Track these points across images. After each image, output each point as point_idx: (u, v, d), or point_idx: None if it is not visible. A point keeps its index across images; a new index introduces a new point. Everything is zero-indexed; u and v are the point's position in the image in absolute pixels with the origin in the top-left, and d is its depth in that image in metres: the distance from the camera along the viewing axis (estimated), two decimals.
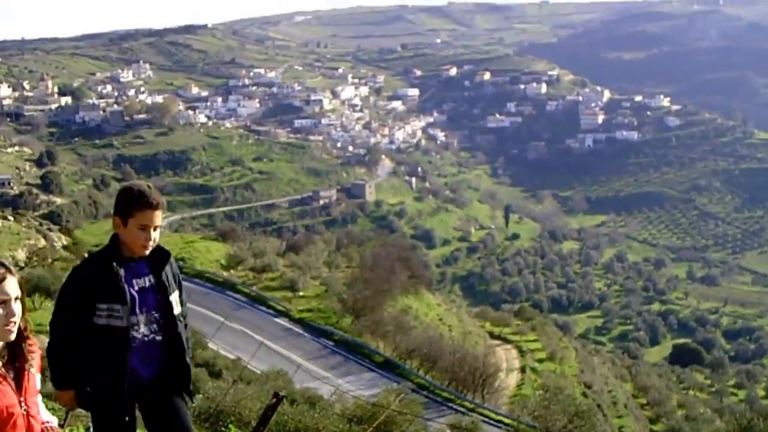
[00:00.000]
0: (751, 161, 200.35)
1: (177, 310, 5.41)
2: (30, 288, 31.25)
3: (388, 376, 43.22)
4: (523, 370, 53.28)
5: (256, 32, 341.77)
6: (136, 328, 5.22)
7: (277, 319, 51.27)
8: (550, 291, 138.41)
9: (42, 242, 53.94)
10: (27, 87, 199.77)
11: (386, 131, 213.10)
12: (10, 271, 4.07)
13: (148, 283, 5.31)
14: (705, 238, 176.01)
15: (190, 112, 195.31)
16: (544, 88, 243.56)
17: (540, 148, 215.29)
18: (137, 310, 5.22)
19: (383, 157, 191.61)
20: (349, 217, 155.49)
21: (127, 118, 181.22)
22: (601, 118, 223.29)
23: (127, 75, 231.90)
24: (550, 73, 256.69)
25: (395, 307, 57.55)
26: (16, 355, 4.12)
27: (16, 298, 4.10)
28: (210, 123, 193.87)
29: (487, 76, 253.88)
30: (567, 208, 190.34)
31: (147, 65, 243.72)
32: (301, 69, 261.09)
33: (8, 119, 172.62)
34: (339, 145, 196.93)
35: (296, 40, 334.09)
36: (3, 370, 4.04)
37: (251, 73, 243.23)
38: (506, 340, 62.06)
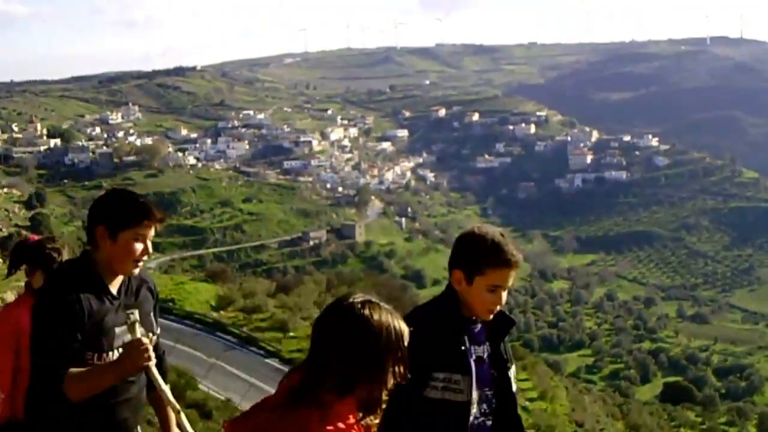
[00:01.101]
0: (740, 200, 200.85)
1: (515, 387, 4.51)
2: None
3: None
4: None
5: (245, 74, 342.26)
6: (470, 406, 4.30)
7: (267, 360, 50.92)
8: (540, 330, 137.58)
9: None
10: (16, 129, 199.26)
11: (376, 172, 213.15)
12: None
13: (485, 354, 4.44)
14: (695, 277, 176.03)
15: (180, 153, 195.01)
16: (532, 128, 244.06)
17: (529, 188, 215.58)
18: (474, 384, 4.30)
19: (373, 197, 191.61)
20: (339, 257, 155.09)
21: (116, 160, 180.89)
22: (589, 158, 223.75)
23: (116, 117, 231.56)
24: (538, 113, 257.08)
25: None
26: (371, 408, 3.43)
27: None
28: (199, 165, 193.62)
29: (476, 116, 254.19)
30: (557, 247, 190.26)
31: (136, 107, 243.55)
32: (291, 111, 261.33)
33: None
34: (329, 186, 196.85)
35: (285, 82, 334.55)
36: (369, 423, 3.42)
37: (240, 115, 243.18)
38: None
